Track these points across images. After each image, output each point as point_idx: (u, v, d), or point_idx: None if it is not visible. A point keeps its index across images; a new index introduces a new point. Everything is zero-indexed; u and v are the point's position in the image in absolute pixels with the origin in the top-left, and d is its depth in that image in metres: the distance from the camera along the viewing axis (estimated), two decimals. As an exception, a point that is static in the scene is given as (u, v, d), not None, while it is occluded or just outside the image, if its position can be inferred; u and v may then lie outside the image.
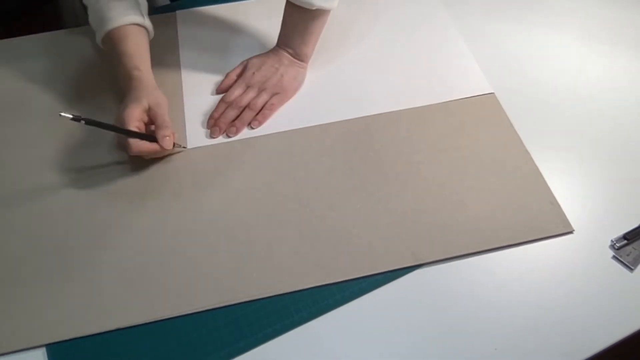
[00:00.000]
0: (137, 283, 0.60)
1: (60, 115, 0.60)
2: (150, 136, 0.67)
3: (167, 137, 0.66)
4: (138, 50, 0.71)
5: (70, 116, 0.61)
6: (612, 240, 0.63)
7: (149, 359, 0.56)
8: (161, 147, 0.66)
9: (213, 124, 0.74)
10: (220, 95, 0.77)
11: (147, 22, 0.75)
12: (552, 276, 0.61)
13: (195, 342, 0.57)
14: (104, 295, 0.59)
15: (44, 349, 0.56)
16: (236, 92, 0.76)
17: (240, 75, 0.79)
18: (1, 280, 0.60)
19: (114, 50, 0.71)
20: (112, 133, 0.71)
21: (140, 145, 0.65)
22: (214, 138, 0.73)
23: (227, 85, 0.78)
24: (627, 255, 0.62)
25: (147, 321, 0.58)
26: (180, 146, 0.71)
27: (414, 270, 0.61)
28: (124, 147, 0.67)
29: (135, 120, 0.65)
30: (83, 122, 0.62)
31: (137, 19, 0.72)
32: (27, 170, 0.70)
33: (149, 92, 0.68)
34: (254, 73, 0.77)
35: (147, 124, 0.69)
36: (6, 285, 0.60)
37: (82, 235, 0.64)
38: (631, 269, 0.61)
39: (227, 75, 0.79)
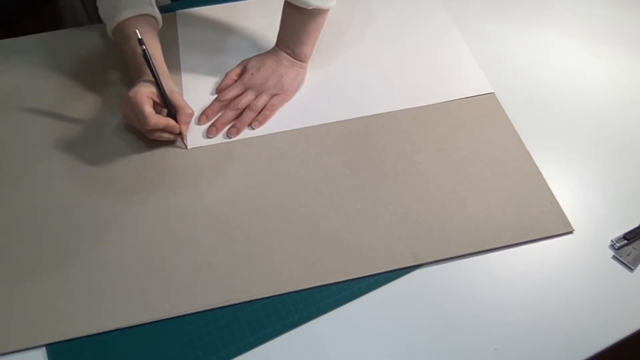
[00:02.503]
0: (137, 283, 0.60)
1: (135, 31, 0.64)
2: (170, 104, 0.69)
3: (188, 124, 0.70)
4: (150, 40, 0.72)
5: (139, 37, 0.64)
6: (612, 240, 0.63)
7: (148, 359, 0.56)
8: (180, 128, 0.69)
9: (210, 124, 0.74)
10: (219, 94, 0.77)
11: (156, 12, 0.75)
12: (552, 276, 0.61)
13: (195, 342, 0.57)
14: (104, 295, 0.59)
15: (44, 349, 0.56)
16: (232, 92, 0.76)
17: (240, 75, 0.79)
18: (1, 280, 0.60)
19: (126, 41, 0.71)
20: (112, 132, 0.71)
21: (157, 119, 0.66)
22: (210, 138, 0.73)
23: (226, 85, 0.78)
24: (627, 255, 0.62)
25: (147, 321, 0.58)
26: (183, 142, 0.71)
27: (414, 270, 0.61)
28: (137, 118, 0.67)
29: (146, 96, 0.66)
30: (144, 47, 0.65)
31: (147, 9, 0.73)
32: (25, 170, 0.69)
33: (163, 79, 0.69)
34: (252, 74, 0.77)
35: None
36: (6, 285, 0.60)
37: (82, 235, 0.64)
38: (631, 269, 0.61)
39: (226, 75, 0.79)
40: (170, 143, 0.71)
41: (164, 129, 0.68)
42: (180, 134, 0.70)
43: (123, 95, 0.68)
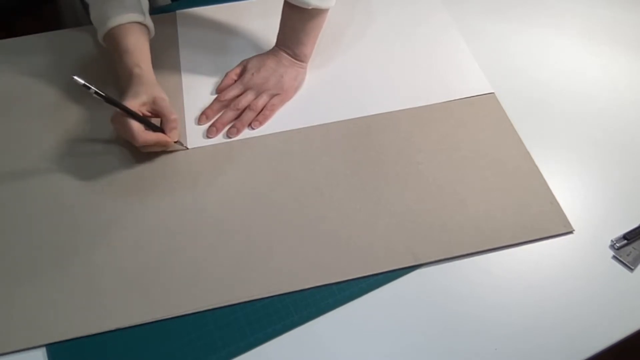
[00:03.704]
0: (137, 283, 0.60)
1: (72, 78, 0.60)
2: (155, 126, 0.67)
3: (175, 129, 0.67)
4: (138, 48, 0.71)
5: (82, 82, 0.60)
6: (612, 240, 0.63)
7: (148, 359, 0.56)
8: (168, 137, 0.67)
9: (210, 124, 0.74)
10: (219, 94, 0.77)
11: (147, 21, 0.75)
12: (552, 276, 0.61)
13: (195, 342, 0.57)
14: (104, 295, 0.59)
15: (44, 349, 0.56)
16: (232, 92, 0.76)
17: (239, 75, 0.79)
18: (1, 280, 0.60)
19: (115, 49, 0.71)
20: (112, 132, 0.71)
21: (146, 136, 0.65)
22: (210, 138, 0.73)
23: (226, 85, 0.78)
24: (627, 255, 0.62)
25: (147, 321, 0.58)
26: (182, 145, 0.71)
27: (414, 270, 0.61)
28: (127, 136, 0.66)
29: (132, 121, 0.65)
30: (93, 91, 0.62)
31: (137, 17, 0.72)
32: (26, 169, 0.69)
33: (149, 87, 0.68)
34: (253, 74, 0.77)
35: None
36: (6, 285, 0.60)
37: (82, 235, 0.64)
38: (631, 269, 0.61)
39: (226, 75, 0.79)
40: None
41: (155, 144, 0.67)
42: (176, 142, 0.69)
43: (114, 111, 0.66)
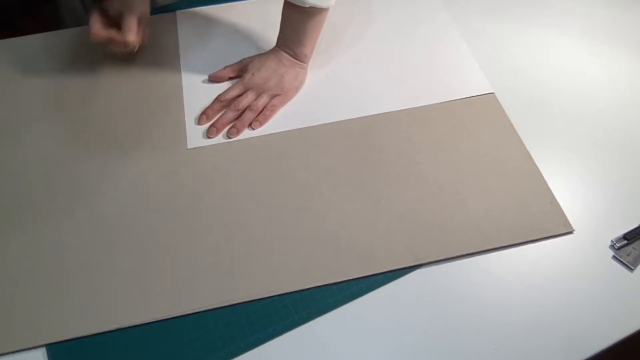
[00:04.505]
0: (137, 283, 0.60)
1: None
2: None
3: (130, 31, 0.70)
4: None
5: None
6: (612, 240, 0.63)
7: (148, 359, 0.56)
8: (119, 36, 0.70)
9: (211, 124, 0.74)
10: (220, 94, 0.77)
11: None
12: (552, 276, 0.61)
13: (195, 342, 0.57)
14: (104, 295, 0.59)
15: (44, 349, 0.56)
16: (233, 92, 0.76)
17: (237, 72, 0.79)
18: (1, 280, 0.60)
19: None
20: (112, 133, 0.72)
21: (99, 30, 0.70)
22: (210, 138, 0.73)
23: (221, 75, 0.78)
24: (627, 255, 0.62)
25: (147, 321, 0.58)
26: (134, 49, 0.73)
27: (414, 270, 0.61)
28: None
29: (98, 13, 0.71)
30: None
31: None
32: (25, 170, 0.69)
33: None
34: (253, 74, 0.77)
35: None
36: (6, 285, 0.60)
37: (82, 235, 0.64)
38: (631, 269, 0.61)
39: (224, 67, 0.79)
40: (168, 141, 0.71)
41: (108, 42, 0.71)
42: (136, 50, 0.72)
43: None
